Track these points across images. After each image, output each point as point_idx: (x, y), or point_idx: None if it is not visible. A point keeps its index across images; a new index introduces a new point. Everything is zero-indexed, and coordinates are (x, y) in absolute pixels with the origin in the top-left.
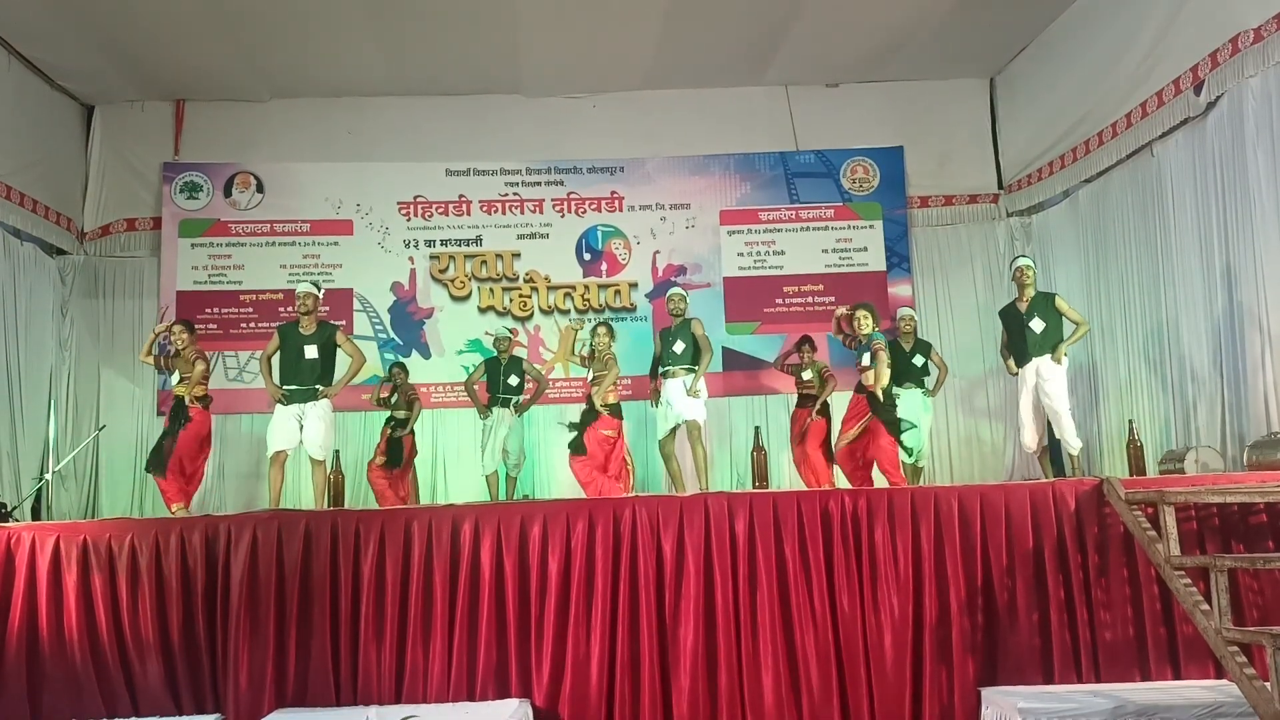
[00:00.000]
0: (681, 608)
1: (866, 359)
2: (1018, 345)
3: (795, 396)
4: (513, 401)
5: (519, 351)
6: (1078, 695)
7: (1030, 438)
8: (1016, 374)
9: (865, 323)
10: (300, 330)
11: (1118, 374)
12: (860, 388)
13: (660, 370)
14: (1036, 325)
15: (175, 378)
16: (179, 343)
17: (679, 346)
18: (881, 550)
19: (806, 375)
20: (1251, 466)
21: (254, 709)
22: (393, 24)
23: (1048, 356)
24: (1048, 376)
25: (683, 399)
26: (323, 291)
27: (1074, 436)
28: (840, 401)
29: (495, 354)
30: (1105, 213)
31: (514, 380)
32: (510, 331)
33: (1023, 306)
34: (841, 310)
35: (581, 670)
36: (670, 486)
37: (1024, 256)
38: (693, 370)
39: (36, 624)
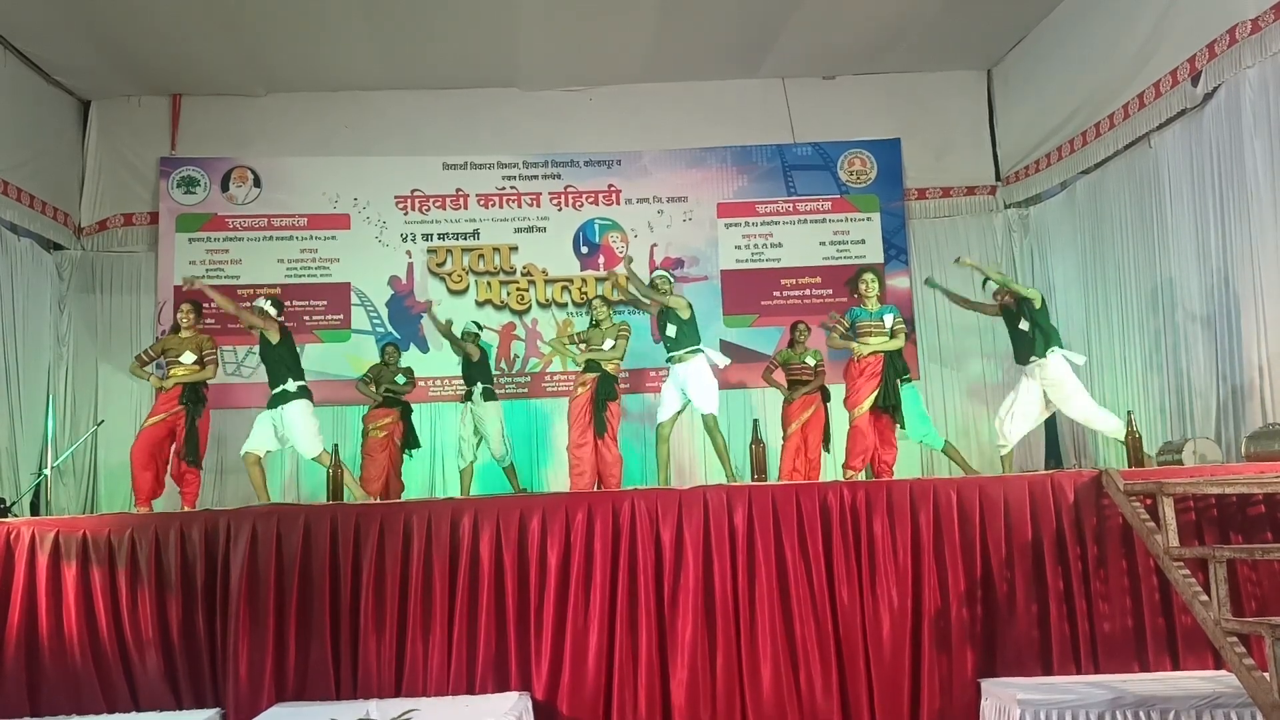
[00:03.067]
0: (680, 600)
1: (889, 320)
2: (1013, 343)
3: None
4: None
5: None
6: (1077, 686)
7: (1011, 432)
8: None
9: (875, 285)
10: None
11: (1114, 365)
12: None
13: (666, 358)
14: (1023, 325)
15: (167, 371)
16: (184, 320)
17: (671, 330)
18: (880, 542)
19: (810, 360)
20: (1249, 457)
21: (253, 703)
22: (389, 18)
23: (1039, 360)
24: (1050, 380)
25: (690, 378)
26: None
27: (1109, 426)
28: (834, 395)
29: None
30: (1102, 204)
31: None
32: (479, 327)
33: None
34: (835, 322)
35: (580, 662)
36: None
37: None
38: (697, 351)
39: (36, 619)
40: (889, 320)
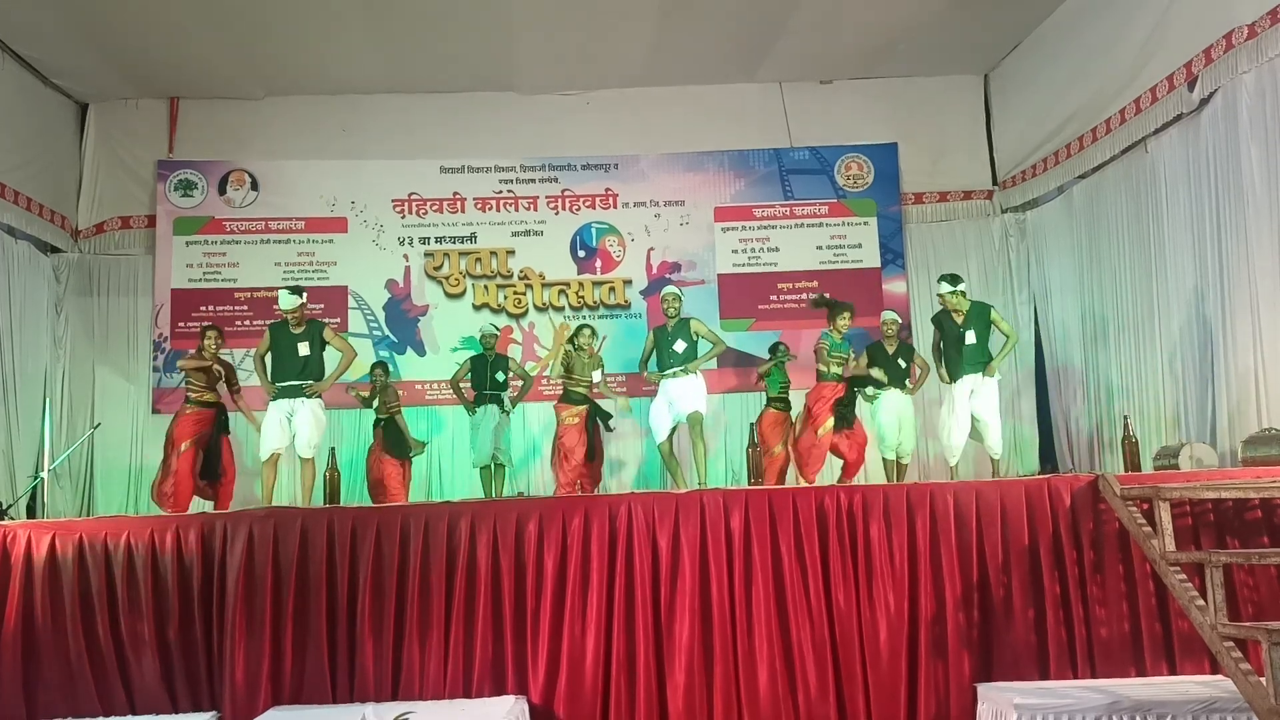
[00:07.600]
0: (677, 604)
1: (864, 360)
2: (951, 356)
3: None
4: (500, 397)
5: (513, 350)
6: (1073, 691)
7: (958, 442)
8: (949, 383)
9: (847, 320)
10: (291, 329)
11: (1110, 370)
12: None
13: (662, 371)
14: (970, 338)
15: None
16: (212, 346)
17: (679, 345)
18: (877, 546)
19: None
20: (1246, 462)
21: (250, 706)
22: (387, 21)
23: (980, 373)
24: (983, 392)
25: (685, 395)
26: (305, 295)
27: (998, 444)
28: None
29: (483, 350)
30: (1099, 209)
31: (500, 377)
32: (497, 329)
33: (959, 319)
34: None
35: (577, 666)
36: (671, 485)
37: (945, 282)
38: (688, 371)
39: (32, 622)
40: (851, 361)
